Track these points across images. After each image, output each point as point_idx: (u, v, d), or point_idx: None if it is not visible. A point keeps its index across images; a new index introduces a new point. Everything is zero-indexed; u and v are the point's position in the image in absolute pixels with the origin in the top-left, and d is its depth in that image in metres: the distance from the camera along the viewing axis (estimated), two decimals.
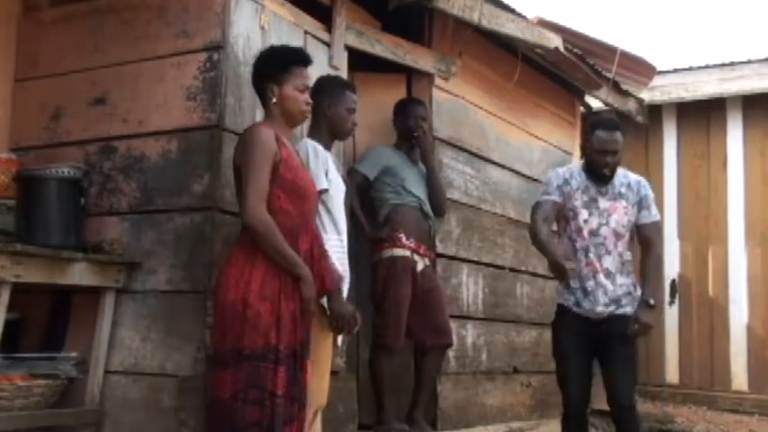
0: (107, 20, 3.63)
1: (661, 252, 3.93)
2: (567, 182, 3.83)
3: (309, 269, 2.82)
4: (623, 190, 3.81)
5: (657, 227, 3.90)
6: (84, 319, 3.42)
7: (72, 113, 3.65)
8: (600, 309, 3.72)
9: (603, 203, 3.78)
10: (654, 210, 3.86)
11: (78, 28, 3.71)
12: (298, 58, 3.00)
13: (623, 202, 3.79)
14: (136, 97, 3.49)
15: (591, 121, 3.97)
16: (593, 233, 3.76)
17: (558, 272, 3.66)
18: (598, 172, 3.78)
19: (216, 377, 2.74)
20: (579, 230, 3.77)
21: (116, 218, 3.46)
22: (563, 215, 3.84)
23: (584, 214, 3.78)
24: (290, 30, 3.67)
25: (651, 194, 3.87)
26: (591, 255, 3.74)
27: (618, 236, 3.76)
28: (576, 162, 5.60)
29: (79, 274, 3.25)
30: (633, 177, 3.89)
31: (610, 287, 3.72)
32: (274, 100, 2.93)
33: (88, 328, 3.36)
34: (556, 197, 3.81)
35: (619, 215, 3.77)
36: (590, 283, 3.73)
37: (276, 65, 2.95)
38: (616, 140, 3.74)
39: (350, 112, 3.44)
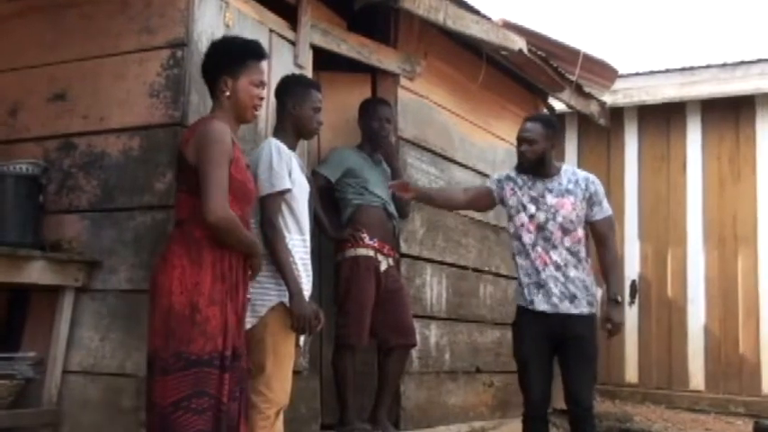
0: (67, 14, 3.57)
1: (616, 246, 3.99)
2: (511, 178, 3.92)
3: None
4: (571, 186, 3.84)
5: (610, 222, 3.93)
6: (42, 318, 3.37)
7: (30, 109, 3.59)
8: (555, 300, 3.74)
9: (551, 200, 3.81)
10: (605, 205, 3.89)
11: (37, 22, 3.65)
12: (255, 51, 2.90)
13: (571, 198, 3.82)
14: (97, 93, 3.44)
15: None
16: (541, 227, 3.80)
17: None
18: (518, 161, 3.89)
19: (155, 384, 2.60)
20: (526, 224, 3.82)
21: (76, 216, 3.41)
22: (508, 213, 3.92)
23: (530, 208, 3.82)
24: (255, 28, 3.65)
25: (601, 190, 3.90)
26: (539, 248, 3.79)
27: (565, 231, 3.79)
28: None
29: (37, 272, 3.19)
30: (582, 174, 3.93)
31: (561, 279, 3.75)
32: (227, 93, 2.82)
33: (46, 327, 3.31)
34: (493, 186, 3.98)
35: (566, 211, 3.80)
36: (542, 276, 3.77)
37: (232, 56, 2.85)
38: (529, 130, 3.85)
39: (315, 111, 3.42)
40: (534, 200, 3.83)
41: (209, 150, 2.67)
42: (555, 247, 3.78)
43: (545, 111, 6.54)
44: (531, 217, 3.82)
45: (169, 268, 2.64)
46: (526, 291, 3.81)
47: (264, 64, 2.95)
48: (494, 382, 5.44)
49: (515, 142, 3.92)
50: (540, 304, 3.77)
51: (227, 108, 2.84)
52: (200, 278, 2.63)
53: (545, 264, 3.77)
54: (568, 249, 3.79)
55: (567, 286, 3.76)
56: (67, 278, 3.28)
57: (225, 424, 2.64)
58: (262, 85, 2.89)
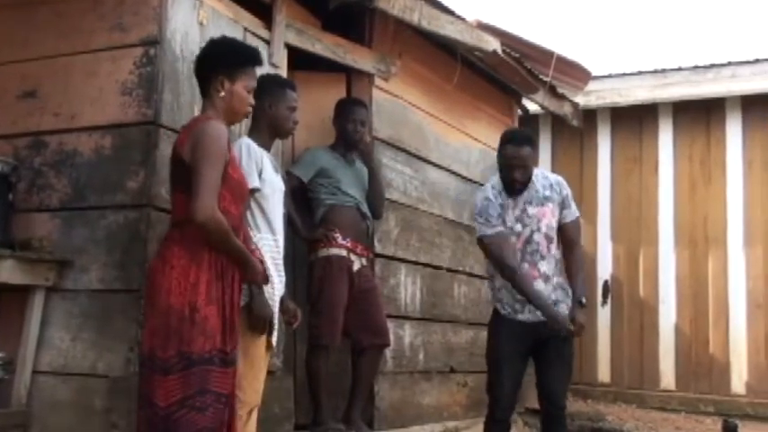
0: (39, 12, 3.54)
1: (582, 249, 3.97)
2: (502, 206, 3.77)
3: None
4: (548, 193, 3.81)
5: (578, 224, 3.93)
6: (11, 318, 3.32)
7: (1, 106, 3.54)
8: (539, 312, 3.70)
9: (532, 210, 3.78)
10: (574, 207, 3.89)
11: (8, 19, 3.60)
12: (256, 57, 2.92)
13: (550, 206, 3.80)
14: (68, 91, 3.41)
15: (502, 136, 3.92)
16: (528, 241, 3.76)
17: (556, 324, 3.64)
18: (509, 186, 3.75)
19: (155, 385, 2.58)
20: (514, 245, 3.74)
21: (46, 214, 3.38)
22: None
23: (517, 228, 3.77)
24: (230, 26, 3.63)
25: (570, 192, 3.89)
26: (527, 264, 3.74)
27: (549, 239, 3.78)
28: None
29: (6, 272, 3.15)
30: (553, 177, 3.91)
31: (547, 289, 3.74)
32: (222, 94, 2.80)
33: (16, 327, 3.27)
34: (503, 227, 3.75)
35: (548, 219, 3.78)
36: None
37: (233, 58, 2.84)
38: (522, 156, 3.70)
39: (291, 111, 3.42)
40: (519, 218, 3.77)
41: (204, 149, 2.64)
42: (543, 257, 3.75)
43: (519, 111, 6.59)
44: (518, 235, 3.76)
45: (168, 269, 2.64)
46: (508, 307, 3.77)
47: (258, 71, 2.96)
48: (468, 382, 5.45)
49: (505, 168, 3.73)
50: (524, 316, 3.74)
51: (220, 109, 2.82)
52: (198, 278, 2.63)
53: (534, 278, 3.72)
54: (554, 257, 3.78)
55: (550, 294, 3.74)
56: (38, 278, 3.24)
57: (232, 418, 2.69)
58: (253, 91, 2.90)
